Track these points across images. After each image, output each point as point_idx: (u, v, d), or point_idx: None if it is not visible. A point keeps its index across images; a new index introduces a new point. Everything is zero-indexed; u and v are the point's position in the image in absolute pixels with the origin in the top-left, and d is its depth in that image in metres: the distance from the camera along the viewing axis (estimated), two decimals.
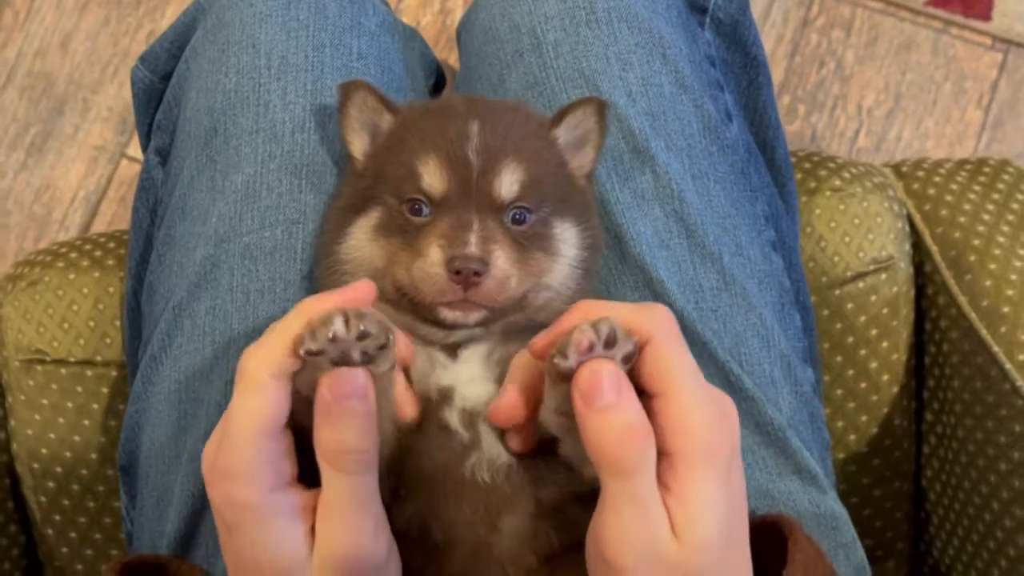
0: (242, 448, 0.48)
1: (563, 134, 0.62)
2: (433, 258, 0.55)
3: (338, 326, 0.46)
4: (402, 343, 0.54)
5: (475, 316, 0.56)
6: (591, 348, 0.47)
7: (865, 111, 1.50)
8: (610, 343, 0.47)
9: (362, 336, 0.46)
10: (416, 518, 0.54)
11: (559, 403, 0.50)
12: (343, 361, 0.47)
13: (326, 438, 0.48)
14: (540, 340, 0.51)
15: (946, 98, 1.50)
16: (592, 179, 0.66)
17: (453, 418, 0.55)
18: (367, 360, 0.47)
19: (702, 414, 0.48)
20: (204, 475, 0.50)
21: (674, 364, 0.48)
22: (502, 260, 0.55)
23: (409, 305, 0.57)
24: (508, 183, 0.57)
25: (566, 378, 0.47)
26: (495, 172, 0.56)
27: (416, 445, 0.55)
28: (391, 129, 0.61)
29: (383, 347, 0.47)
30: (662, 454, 0.48)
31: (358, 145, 0.62)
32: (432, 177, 0.56)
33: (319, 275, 0.63)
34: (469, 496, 0.54)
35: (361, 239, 0.59)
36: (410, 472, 0.55)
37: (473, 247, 0.54)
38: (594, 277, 0.63)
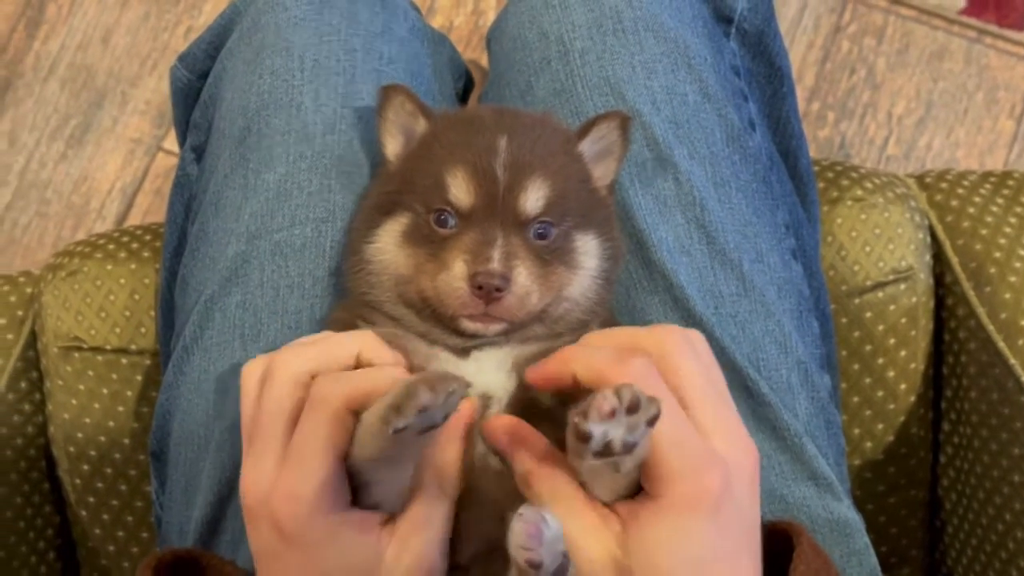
0: (316, 471, 0.51)
1: (587, 147, 0.63)
2: (457, 272, 0.56)
3: (425, 398, 0.47)
4: (469, 410, 0.56)
5: (495, 328, 0.58)
6: (613, 414, 0.48)
7: (895, 119, 1.49)
8: (632, 408, 0.48)
9: (449, 395, 0.47)
10: None
11: (571, 450, 0.52)
12: (429, 429, 0.48)
13: (451, 458, 0.53)
14: (535, 371, 0.55)
15: (978, 107, 1.49)
16: (613, 190, 0.67)
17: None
18: (447, 417, 0.49)
19: (681, 464, 0.51)
20: (253, 497, 0.53)
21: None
22: (523, 276, 0.56)
23: (431, 313, 0.59)
24: (533, 199, 0.58)
25: (583, 439, 0.48)
26: (521, 187, 0.58)
27: None
28: (423, 136, 0.63)
29: (461, 398, 0.49)
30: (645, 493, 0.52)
31: (392, 147, 0.64)
32: (459, 190, 0.58)
33: (346, 270, 0.64)
34: (481, 485, 0.56)
35: (388, 243, 0.60)
36: None
37: (496, 263, 0.56)
38: (613, 286, 0.64)
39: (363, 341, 0.56)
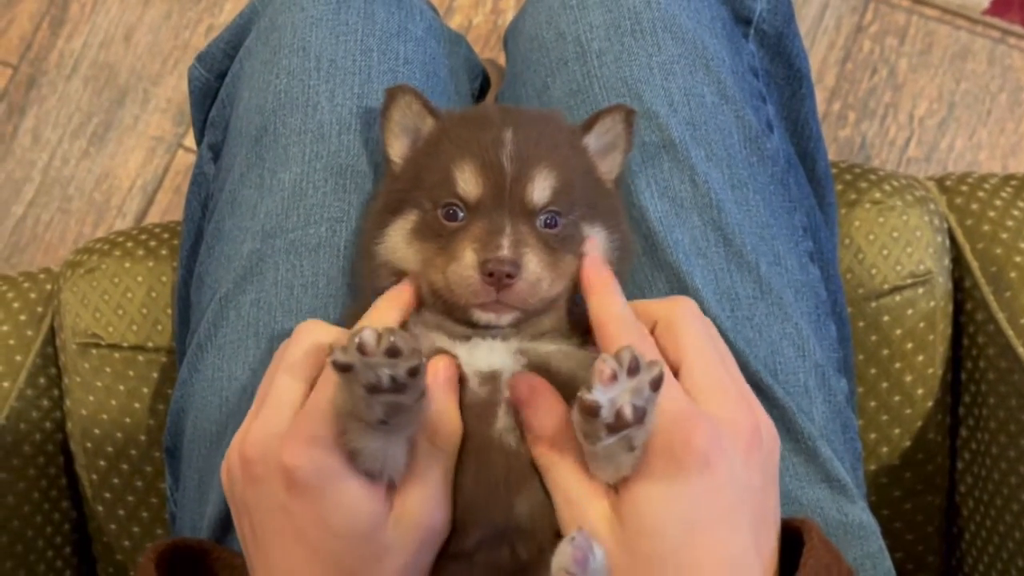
0: (315, 429, 0.52)
1: (592, 141, 0.64)
2: (467, 261, 0.56)
3: (367, 337, 0.47)
4: (446, 365, 0.57)
5: (507, 317, 0.58)
6: (615, 377, 0.49)
7: (917, 120, 1.48)
8: (633, 370, 0.49)
9: (391, 352, 0.48)
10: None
11: (584, 433, 0.52)
12: (374, 386, 0.48)
13: (440, 411, 0.54)
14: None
15: (1001, 108, 1.47)
16: (620, 184, 0.67)
17: (471, 379, 0.57)
18: (397, 388, 0.48)
19: (664, 421, 0.51)
20: (258, 450, 0.53)
21: None
22: (533, 263, 0.56)
23: (444, 307, 0.59)
24: (540, 188, 0.58)
25: (593, 412, 0.49)
26: (528, 178, 0.58)
27: None
28: (429, 135, 0.63)
29: (414, 373, 0.48)
30: None
31: (397, 149, 0.64)
32: (467, 183, 0.58)
33: (357, 271, 0.65)
34: (493, 463, 0.56)
35: (398, 241, 0.61)
36: None
37: (506, 250, 0.56)
38: (625, 281, 0.64)
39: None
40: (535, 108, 0.71)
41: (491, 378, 0.57)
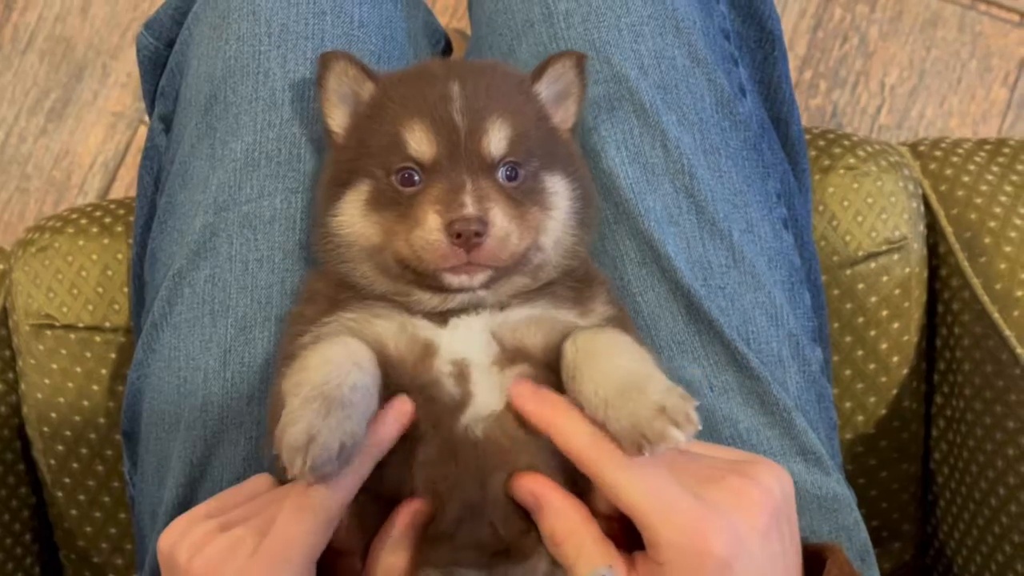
0: (280, 567, 0.51)
1: (544, 89, 0.62)
2: (431, 225, 0.54)
3: (295, 465, 0.49)
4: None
5: (480, 277, 0.56)
6: None
7: (888, 88, 1.47)
8: None
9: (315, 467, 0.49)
10: (411, 480, 0.56)
11: None
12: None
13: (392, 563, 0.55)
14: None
15: (971, 75, 1.47)
16: (576, 133, 0.65)
17: (443, 368, 0.56)
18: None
19: (673, 533, 0.50)
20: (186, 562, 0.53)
21: (636, 499, 0.51)
22: (500, 218, 0.55)
23: (412, 276, 0.57)
24: (496, 140, 0.56)
25: None
26: (482, 130, 0.56)
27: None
28: (371, 98, 0.60)
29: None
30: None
31: (337, 119, 0.62)
32: (419, 143, 0.56)
33: (312, 244, 0.63)
34: (462, 455, 0.55)
35: (353, 215, 0.58)
36: (409, 436, 0.55)
37: (470, 208, 0.54)
38: (592, 230, 0.62)
39: None
40: (479, 60, 0.68)
41: (463, 376, 0.56)
